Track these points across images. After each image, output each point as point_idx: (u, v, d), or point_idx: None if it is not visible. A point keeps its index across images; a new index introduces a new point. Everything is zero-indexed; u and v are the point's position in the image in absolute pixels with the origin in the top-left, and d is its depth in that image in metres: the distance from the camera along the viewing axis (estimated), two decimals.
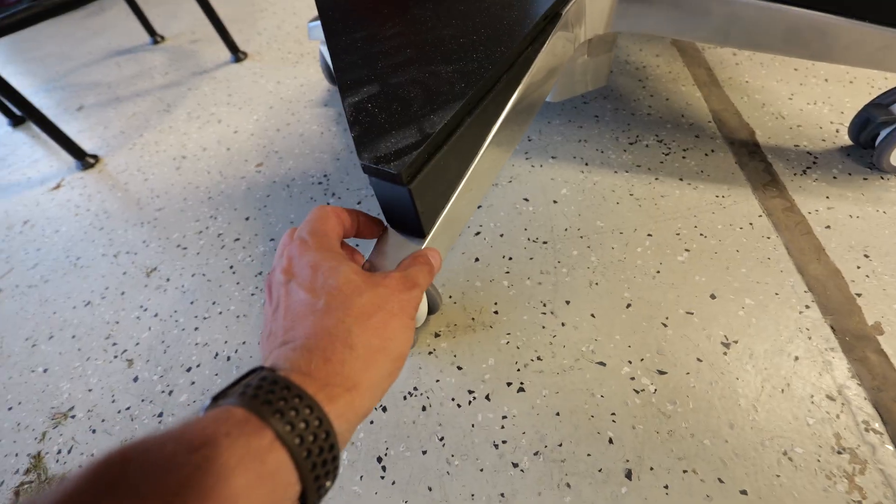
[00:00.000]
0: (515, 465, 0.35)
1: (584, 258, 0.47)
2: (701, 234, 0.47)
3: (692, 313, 0.42)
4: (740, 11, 0.42)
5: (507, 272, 0.48)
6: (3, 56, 1.31)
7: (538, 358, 0.41)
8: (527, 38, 0.38)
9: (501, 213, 0.54)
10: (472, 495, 0.34)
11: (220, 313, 0.50)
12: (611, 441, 0.36)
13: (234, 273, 0.54)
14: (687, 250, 0.46)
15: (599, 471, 0.34)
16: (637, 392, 0.38)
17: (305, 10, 1.14)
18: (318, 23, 0.53)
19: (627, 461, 0.34)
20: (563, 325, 0.43)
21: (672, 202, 0.51)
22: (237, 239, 0.58)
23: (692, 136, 0.58)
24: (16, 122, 0.96)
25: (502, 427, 0.37)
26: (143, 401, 0.45)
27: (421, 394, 0.40)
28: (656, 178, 0.54)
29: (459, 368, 0.41)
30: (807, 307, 0.40)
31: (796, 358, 0.38)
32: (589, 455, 0.35)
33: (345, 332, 0.20)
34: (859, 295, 0.40)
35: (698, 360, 0.39)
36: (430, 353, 0.43)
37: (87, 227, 0.66)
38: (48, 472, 0.42)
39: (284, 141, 0.72)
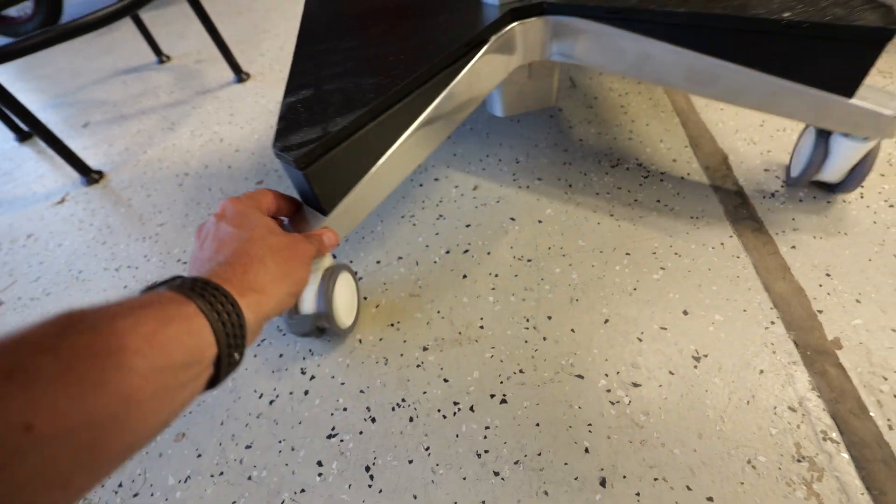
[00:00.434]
0: (497, 474, 0.37)
1: (566, 275, 0.50)
2: (676, 254, 0.50)
3: (666, 328, 0.44)
4: (649, 50, 0.45)
5: (493, 288, 0.50)
6: (14, 72, 1.34)
7: (520, 371, 0.43)
8: (446, 60, 0.44)
9: (489, 231, 0.56)
10: (455, 503, 0.36)
11: None
12: (587, 450, 0.38)
13: None
14: (662, 268, 0.49)
15: (576, 479, 0.36)
16: (612, 403, 0.40)
17: None
18: None
19: (602, 469, 0.36)
20: (544, 339, 0.45)
21: (650, 223, 0.54)
22: None
23: (670, 159, 0.61)
24: (22, 137, 0.99)
25: (485, 437, 0.39)
26: None
27: (409, 405, 0.42)
28: (636, 200, 0.57)
29: (446, 381, 0.43)
30: (772, 323, 0.43)
31: (761, 371, 0.40)
32: (566, 464, 0.37)
33: (260, 256, 0.28)
34: (820, 312, 0.43)
35: (670, 373, 0.41)
36: (418, 365, 0.45)
37: (90, 242, 0.68)
38: None
39: None
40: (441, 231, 0.58)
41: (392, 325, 0.49)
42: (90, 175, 0.80)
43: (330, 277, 0.42)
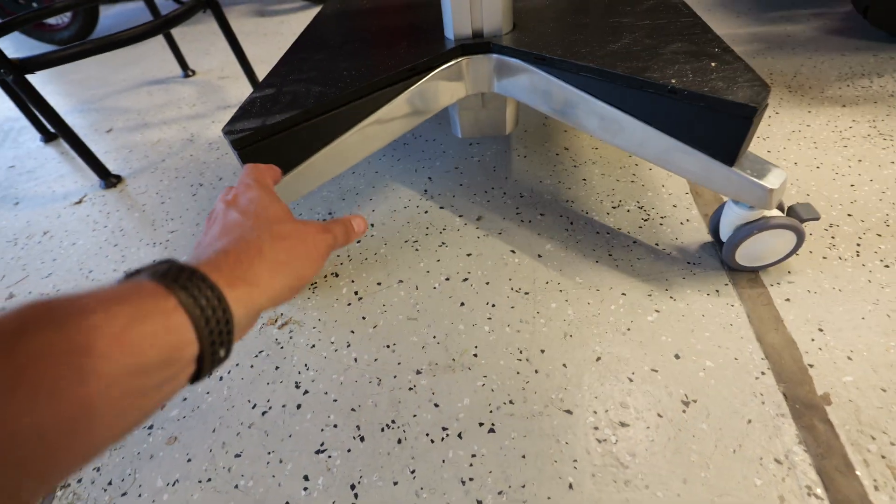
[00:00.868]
0: (479, 502, 0.37)
1: (562, 311, 0.51)
2: (671, 297, 0.51)
3: (657, 371, 0.45)
4: (569, 96, 0.51)
5: (489, 318, 0.51)
6: (46, 76, 1.40)
7: (510, 401, 0.44)
8: (389, 79, 0.52)
9: (489, 262, 0.58)
10: None
11: None
12: (570, 486, 0.38)
13: None
14: (657, 311, 0.50)
15: None
16: (599, 441, 0.40)
17: None
18: None
19: None
20: (536, 372, 0.46)
21: (647, 265, 0.55)
22: None
23: (670, 205, 0.63)
24: (48, 138, 1.02)
25: (471, 465, 0.40)
26: None
27: (398, 427, 0.43)
28: (634, 242, 0.58)
29: (436, 406, 0.44)
30: (762, 373, 0.43)
31: (749, 421, 0.40)
32: (549, 498, 0.37)
33: (258, 244, 0.25)
34: (811, 366, 0.44)
35: (659, 415, 0.41)
36: (410, 388, 0.46)
37: (103, 243, 0.70)
38: None
39: None
40: (442, 258, 0.59)
41: (388, 346, 0.50)
42: (109, 179, 0.83)
43: None
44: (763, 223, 0.46)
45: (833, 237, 0.55)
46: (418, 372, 0.47)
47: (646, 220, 0.61)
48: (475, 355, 0.48)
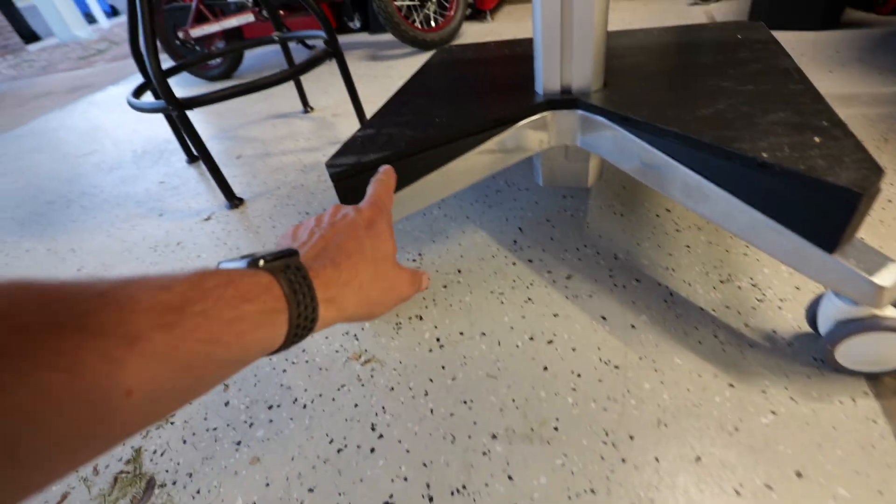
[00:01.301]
0: None
1: (656, 394, 0.47)
2: (791, 399, 0.44)
3: (771, 488, 0.38)
4: (653, 159, 0.49)
5: (574, 389, 0.49)
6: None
7: (591, 490, 0.40)
8: (475, 128, 0.55)
9: (577, 326, 0.55)
10: None
11: (307, 362, 0.57)
12: None
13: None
14: (773, 413, 0.43)
15: None
16: None
17: None
18: None
19: None
20: (623, 461, 0.42)
21: (761, 355, 0.49)
22: None
23: (792, 286, 0.56)
24: (191, 160, 1.20)
25: None
26: (228, 425, 0.51)
27: (469, 494, 0.41)
28: (746, 325, 0.52)
29: (510, 478, 0.42)
30: None
31: None
32: None
33: (363, 278, 0.28)
34: None
35: None
36: (484, 453, 0.44)
37: (222, 258, 0.78)
38: (142, 466, 0.49)
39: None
40: (528, 315, 0.58)
41: (465, 402, 0.49)
42: (233, 200, 0.94)
43: None
44: (871, 323, 0.39)
45: None
46: (494, 436, 0.45)
47: (760, 301, 0.55)
48: (556, 428, 0.45)
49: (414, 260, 0.70)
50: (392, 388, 0.52)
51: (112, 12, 6.50)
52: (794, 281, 0.56)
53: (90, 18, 5.86)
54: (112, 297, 0.17)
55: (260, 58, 2.38)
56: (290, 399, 0.53)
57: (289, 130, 1.30)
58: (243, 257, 0.24)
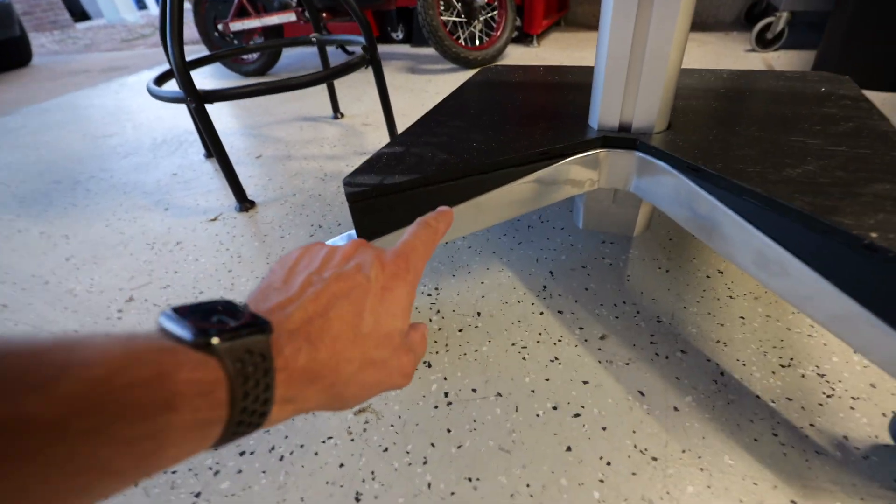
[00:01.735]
0: None
1: (702, 500, 0.38)
2: None
3: None
4: (722, 218, 0.43)
5: (601, 480, 0.40)
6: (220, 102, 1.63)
7: None
8: (515, 160, 0.49)
9: (609, 400, 0.47)
10: None
11: None
12: None
13: None
14: None
15: None
16: None
17: None
18: None
19: None
20: None
21: (829, 466, 0.40)
22: None
23: (867, 382, 0.47)
24: (209, 154, 1.16)
25: None
26: (189, 470, 0.44)
27: None
28: (811, 425, 0.44)
29: None
30: None
31: None
32: None
33: (341, 367, 0.20)
34: None
35: None
36: None
37: (220, 266, 0.73)
38: None
39: None
40: (553, 378, 0.50)
41: (470, 479, 0.41)
42: (244, 203, 0.89)
43: None
44: None
45: None
46: None
47: (829, 397, 0.46)
48: None
49: (429, 294, 0.63)
50: (386, 449, 0.44)
51: None
52: (869, 376, 0.48)
53: (141, 4, 6.06)
54: None
55: (299, 58, 2.38)
56: (266, 446, 0.46)
57: (315, 135, 1.26)
58: (195, 311, 0.17)
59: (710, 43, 2.00)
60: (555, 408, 0.47)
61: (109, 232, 0.85)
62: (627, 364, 0.51)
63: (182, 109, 1.53)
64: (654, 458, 0.42)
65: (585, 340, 0.54)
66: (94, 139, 1.39)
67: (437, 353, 0.54)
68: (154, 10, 6.06)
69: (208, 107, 0.83)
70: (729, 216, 0.42)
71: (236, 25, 1.78)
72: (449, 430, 0.46)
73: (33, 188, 1.08)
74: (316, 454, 0.44)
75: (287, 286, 0.22)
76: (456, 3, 1.82)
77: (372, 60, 0.95)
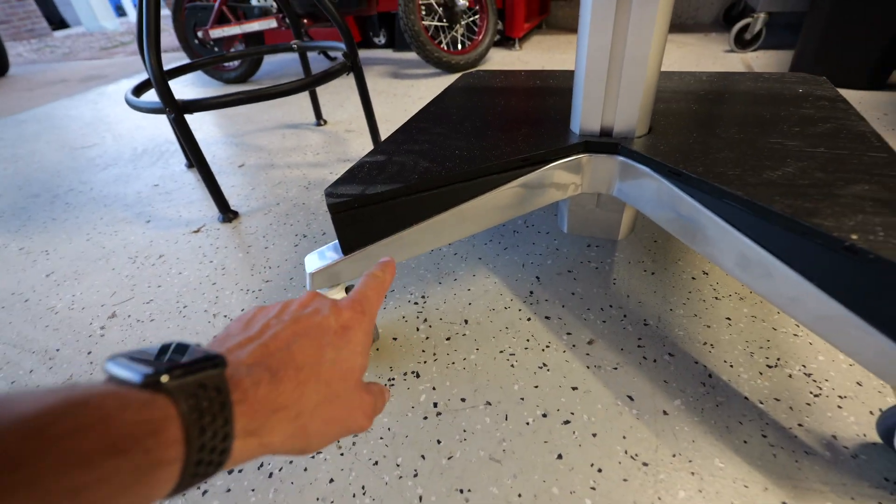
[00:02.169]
0: None
1: None
2: None
3: None
4: (703, 222, 0.43)
5: (593, 487, 0.40)
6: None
7: None
8: (498, 166, 0.48)
9: (599, 406, 0.47)
10: None
11: None
12: None
13: None
14: None
15: None
16: None
17: None
18: None
19: None
20: None
21: (819, 466, 0.40)
22: None
23: (853, 381, 0.48)
24: (190, 164, 1.14)
25: None
26: None
27: None
28: (800, 425, 0.44)
29: None
30: None
31: None
32: None
33: (303, 406, 0.20)
34: None
35: None
36: None
37: (203, 279, 0.71)
38: None
39: None
40: (542, 385, 0.50)
41: (461, 490, 0.41)
42: (227, 213, 0.87)
43: None
44: None
45: None
46: None
47: (816, 396, 0.47)
48: None
49: (416, 303, 0.62)
50: (376, 463, 0.44)
51: None
52: (855, 374, 0.48)
53: (120, 11, 5.96)
54: None
55: (280, 64, 2.36)
56: (254, 463, 0.44)
57: (298, 142, 1.24)
58: (144, 354, 0.17)
59: (689, 44, 2.03)
60: (544, 415, 0.47)
61: (90, 246, 0.83)
62: (616, 368, 0.51)
63: (162, 119, 1.51)
64: (645, 464, 0.42)
65: (573, 346, 0.54)
66: (73, 151, 1.35)
67: (425, 362, 0.53)
68: (134, 17, 5.97)
69: (189, 116, 0.82)
70: (711, 219, 0.42)
71: (216, 32, 1.76)
72: (439, 441, 0.45)
73: (11, 202, 1.05)
74: (305, 470, 0.43)
75: (246, 331, 0.22)
76: (437, 7, 1.82)
77: (353, 67, 0.94)
